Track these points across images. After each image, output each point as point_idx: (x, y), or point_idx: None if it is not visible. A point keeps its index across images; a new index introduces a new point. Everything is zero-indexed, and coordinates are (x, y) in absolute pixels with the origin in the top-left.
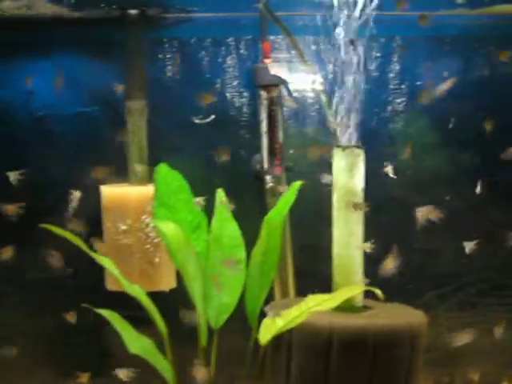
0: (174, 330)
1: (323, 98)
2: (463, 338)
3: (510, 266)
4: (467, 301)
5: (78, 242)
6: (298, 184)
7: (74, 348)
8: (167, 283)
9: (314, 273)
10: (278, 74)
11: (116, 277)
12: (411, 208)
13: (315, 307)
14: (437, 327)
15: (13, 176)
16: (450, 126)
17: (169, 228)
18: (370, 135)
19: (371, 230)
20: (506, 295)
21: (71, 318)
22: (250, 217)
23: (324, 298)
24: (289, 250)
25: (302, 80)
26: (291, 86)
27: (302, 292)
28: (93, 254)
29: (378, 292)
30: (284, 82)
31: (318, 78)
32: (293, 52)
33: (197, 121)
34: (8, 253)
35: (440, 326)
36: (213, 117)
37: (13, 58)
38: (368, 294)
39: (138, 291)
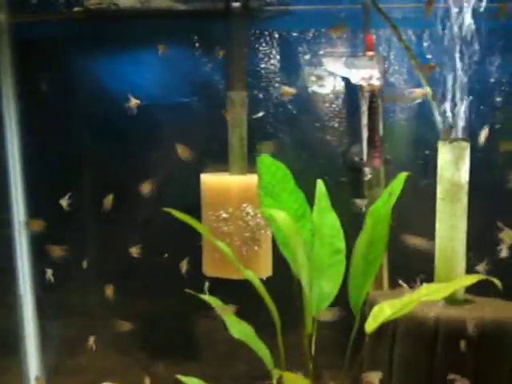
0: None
1: (429, 90)
2: None
3: None
4: None
5: (199, 226)
6: (404, 175)
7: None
8: (265, 271)
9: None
10: (334, 70)
11: (224, 262)
12: None
13: (426, 296)
14: None
15: (64, 203)
16: None
17: (280, 216)
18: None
19: None
20: None
21: None
22: (343, 207)
23: (437, 287)
24: None
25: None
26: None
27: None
28: (211, 239)
29: (497, 282)
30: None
31: (376, 73)
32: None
33: (254, 117)
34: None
35: None
36: (262, 113)
37: (118, 49)
38: None
39: (252, 276)
